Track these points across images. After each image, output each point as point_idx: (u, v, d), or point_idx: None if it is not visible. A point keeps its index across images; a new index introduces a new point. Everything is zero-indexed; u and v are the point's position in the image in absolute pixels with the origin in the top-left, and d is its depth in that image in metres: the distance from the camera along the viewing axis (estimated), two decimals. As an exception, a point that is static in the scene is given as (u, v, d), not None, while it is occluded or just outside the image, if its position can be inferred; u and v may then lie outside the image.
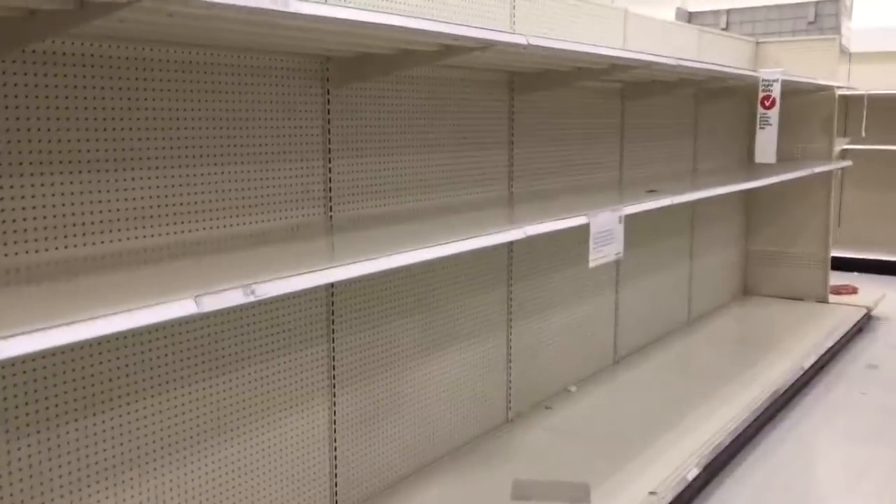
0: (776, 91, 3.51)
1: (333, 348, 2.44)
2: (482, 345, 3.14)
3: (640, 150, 4.18)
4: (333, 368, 2.45)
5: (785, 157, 5.55)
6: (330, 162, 2.40)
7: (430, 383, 2.88)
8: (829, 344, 4.57)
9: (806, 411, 3.91)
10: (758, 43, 5.56)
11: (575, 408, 3.53)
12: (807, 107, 5.46)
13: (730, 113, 5.19)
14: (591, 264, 2.41)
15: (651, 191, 3.19)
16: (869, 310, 5.46)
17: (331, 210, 2.41)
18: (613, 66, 2.97)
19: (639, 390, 3.75)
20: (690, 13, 6.15)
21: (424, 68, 2.72)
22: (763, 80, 3.54)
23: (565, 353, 3.71)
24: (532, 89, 3.15)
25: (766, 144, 3.55)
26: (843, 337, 4.84)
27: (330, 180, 2.41)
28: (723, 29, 5.97)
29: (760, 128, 3.56)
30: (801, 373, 4.10)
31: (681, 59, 2.91)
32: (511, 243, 3.20)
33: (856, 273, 7.17)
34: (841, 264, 7.28)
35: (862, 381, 4.36)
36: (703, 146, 4.92)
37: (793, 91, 5.24)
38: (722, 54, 5.05)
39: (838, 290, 5.76)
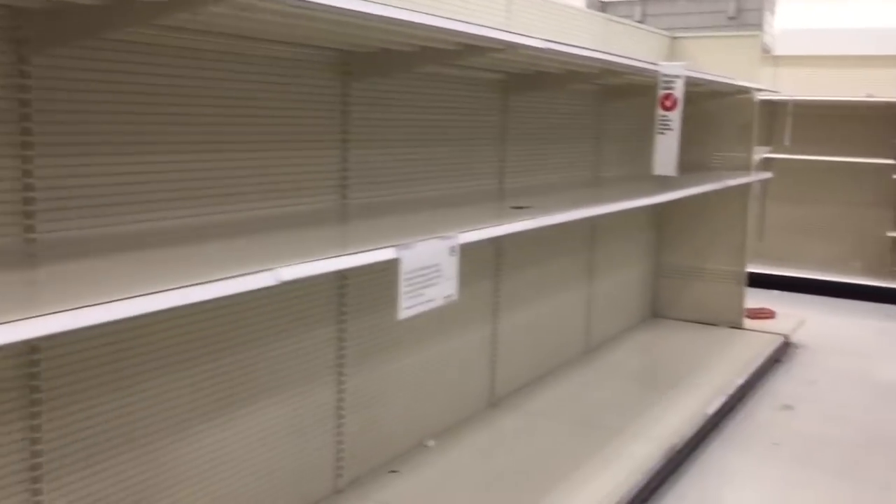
0: (679, 89, 2.90)
1: (40, 426, 1.73)
2: (300, 398, 2.45)
3: (528, 156, 3.54)
4: (41, 455, 1.74)
5: (699, 167, 4.99)
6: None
7: (217, 454, 2.18)
8: (740, 381, 4.01)
9: (708, 469, 3.32)
10: (673, 38, 4.98)
11: (429, 470, 2.87)
12: (724, 111, 4.91)
13: (639, 115, 4.59)
14: (403, 314, 1.75)
15: (518, 207, 2.55)
16: (786, 337, 4.94)
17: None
18: (468, 48, 2.32)
19: (514, 442, 3.11)
20: (604, 2, 5.55)
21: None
22: (663, 76, 2.93)
23: (422, 400, 3.05)
24: (367, 74, 2.47)
25: (665, 153, 2.94)
26: (756, 372, 4.29)
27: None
28: (638, 21, 5.39)
29: (659, 132, 2.95)
30: (705, 420, 3.52)
31: (550, 41, 2.27)
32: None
33: (776, 291, 6.69)
34: (761, 281, 6.79)
35: (775, 426, 3.80)
36: (607, 152, 4.31)
37: (709, 93, 4.67)
38: (632, 48, 4.45)
39: (755, 314, 5.23)
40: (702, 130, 4.94)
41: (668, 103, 2.92)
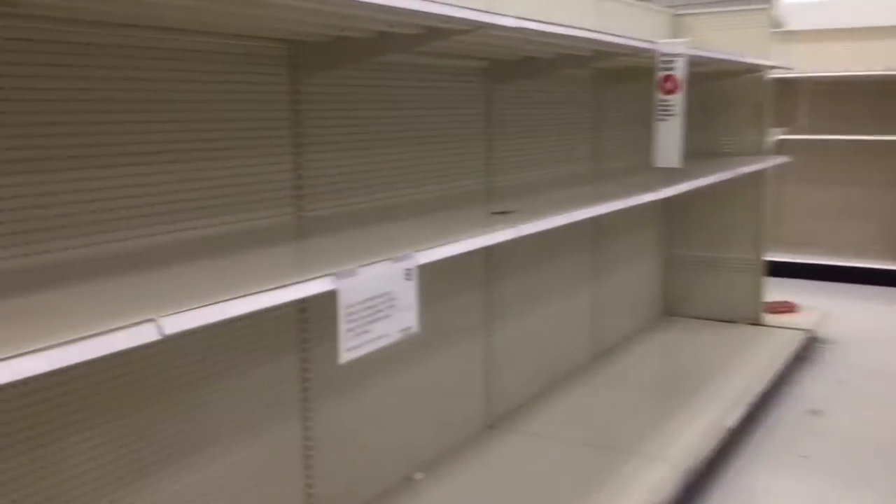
0: (680, 70, 2.56)
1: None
2: (259, 440, 2.14)
3: (518, 151, 3.21)
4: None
5: (709, 153, 4.64)
6: None
7: (154, 517, 1.87)
8: (762, 387, 3.67)
9: (731, 491, 2.99)
10: (676, 15, 4.63)
11: (414, 508, 2.55)
12: (734, 92, 4.55)
13: (643, 100, 4.25)
14: (345, 356, 1.42)
15: (500, 212, 2.22)
16: (811, 333, 4.59)
17: None
18: (431, 31, 1.99)
19: (513, 469, 2.79)
20: (600, -18, 5.19)
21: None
22: (662, 56, 2.59)
23: (407, 428, 2.73)
24: (322, 67, 2.15)
25: (668, 142, 2.60)
26: (779, 374, 3.94)
27: None
28: None
29: (660, 119, 2.61)
30: (726, 434, 3.18)
31: (525, 19, 1.94)
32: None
33: (796, 281, 6.33)
34: (781, 270, 6.43)
35: (802, 435, 3.46)
36: (608, 142, 3.97)
37: (717, 73, 4.32)
38: (631, 27, 4.11)
39: (775, 309, 4.88)
40: (710, 114, 4.59)
41: (668, 86, 2.58)
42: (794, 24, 6.42)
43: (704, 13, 4.58)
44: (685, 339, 4.39)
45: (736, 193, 4.60)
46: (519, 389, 3.38)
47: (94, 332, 1.07)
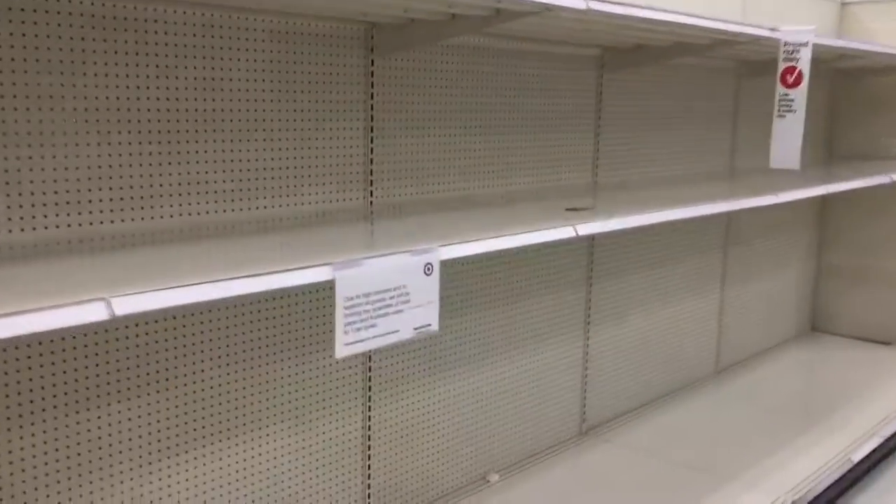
0: (804, 61, 2.29)
1: None
2: (324, 427, 2.11)
3: (627, 144, 3.02)
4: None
5: (868, 154, 4.19)
6: None
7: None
8: (905, 420, 3.27)
9: (846, 529, 2.68)
10: (843, 4, 4.21)
11: (483, 512, 2.46)
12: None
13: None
14: (342, 352, 1.35)
15: (574, 209, 2.07)
16: (981, 363, 4.06)
17: None
18: (497, 12, 1.87)
19: (597, 483, 2.63)
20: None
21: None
22: (785, 44, 2.32)
23: (485, 430, 2.63)
24: (395, 48, 2.08)
25: (786, 141, 2.33)
26: (931, 406, 3.51)
27: None
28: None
29: (779, 115, 2.35)
30: (848, 468, 2.86)
31: (607, 2, 1.78)
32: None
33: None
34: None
35: (947, 478, 3.05)
36: (744, 139, 3.67)
37: (882, 68, 3.90)
38: (787, 15, 3.77)
39: (942, 333, 4.36)
40: (869, 112, 4.15)
41: (790, 78, 2.31)
42: None
43: (874, 2, 4.14)
44: (827, 359, 4.01)
45: (901, 201, 4.15)
46: (620, 396, 3.19)
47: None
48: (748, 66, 3.54)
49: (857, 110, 4.19)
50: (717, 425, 3.14)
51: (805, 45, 2.28)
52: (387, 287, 1.41)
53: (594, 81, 2.79)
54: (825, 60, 3.39)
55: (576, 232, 1.78)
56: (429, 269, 1.47)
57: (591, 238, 2.90)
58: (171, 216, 1.74)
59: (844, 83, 4.20)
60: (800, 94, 2.30)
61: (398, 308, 1.43)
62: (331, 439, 2.16)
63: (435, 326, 1.51)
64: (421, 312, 1.48)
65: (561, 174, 2.73)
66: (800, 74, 2.31)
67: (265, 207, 1.94)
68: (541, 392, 2.81)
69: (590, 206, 2.12)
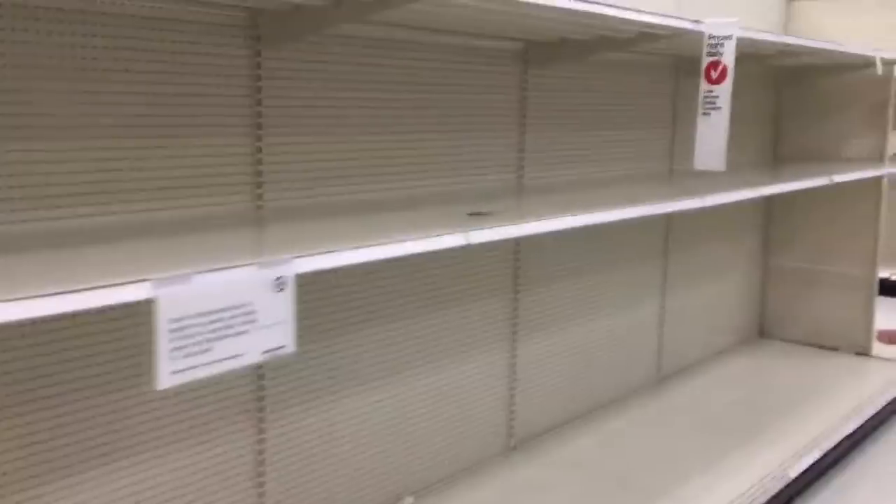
0: (728, 55, 2.14)
1: None
2: (208, 452, 1.93)
3: (553, 145, 2.86)
4: None
5: (816, 156, 4.09)
6: None
7: None
8: (848, 431, 3.15)
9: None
10: (790, 0, 4.10)
11: (392, 538, 2.29)
12: (852, 89, 3.98)
13: (745, 94, 3.77)
14: (163, 382, 1.18)
15: (476, 213, 1.91)
16: (929, 370, 3.97)
17: None
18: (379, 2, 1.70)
19: (522, 501, 2.47)
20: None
21: None
22: (709, 38, 2.18)
23: (399, 448, 2.46)
24: (279, 39, 1.91)
25: (710, 140, 2.18)
26: (875, 418, 3.40)
27: None
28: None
29: (704, 113, 2.20)
30: (783, 485, 2.72)
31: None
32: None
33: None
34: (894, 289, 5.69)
35: (894, 495, 2.93)
36: (685, 139, 3.53)
37: (832, 67, 3.79)
38: (727, 11, 3.64)
39: (891, 338, 4.26)
40: (821, 113, 4.04)
41: (714, 74, 2.17)
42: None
43: (822, -2, 4.04)
44: (771, 367, 3.89)
45: (850, 202, 4.04)
46: (553, 409, 3.03)
47: None
48: (688, 63, 3.41)
49: (805, 111, 4.07)
50: (654, 438, 2.99)
51: (729, 38, 2.14)
52: (226, 306, 1.24)
53: (517, 77, 2.63)
54: (766, 57, 3.26)
55: (467, 240, 1.61)
56: (281, 284, 1.30)
57: (516, 243, 2.75)
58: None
59: (791, 83, 4.09)
60: (724, 91, 2.16)
61: (241, 329, 1.26)
62: (217, 464, 1.99)
63: (290, 348, 1.34)
64: (270, 333, 1.30)
65: (484, 176, 2.57)
66: (724, 70, 2.16)
67: (140, 212, 1.76)
68: (463, 407, 2.65)
69: (495, 210, 1.95)
